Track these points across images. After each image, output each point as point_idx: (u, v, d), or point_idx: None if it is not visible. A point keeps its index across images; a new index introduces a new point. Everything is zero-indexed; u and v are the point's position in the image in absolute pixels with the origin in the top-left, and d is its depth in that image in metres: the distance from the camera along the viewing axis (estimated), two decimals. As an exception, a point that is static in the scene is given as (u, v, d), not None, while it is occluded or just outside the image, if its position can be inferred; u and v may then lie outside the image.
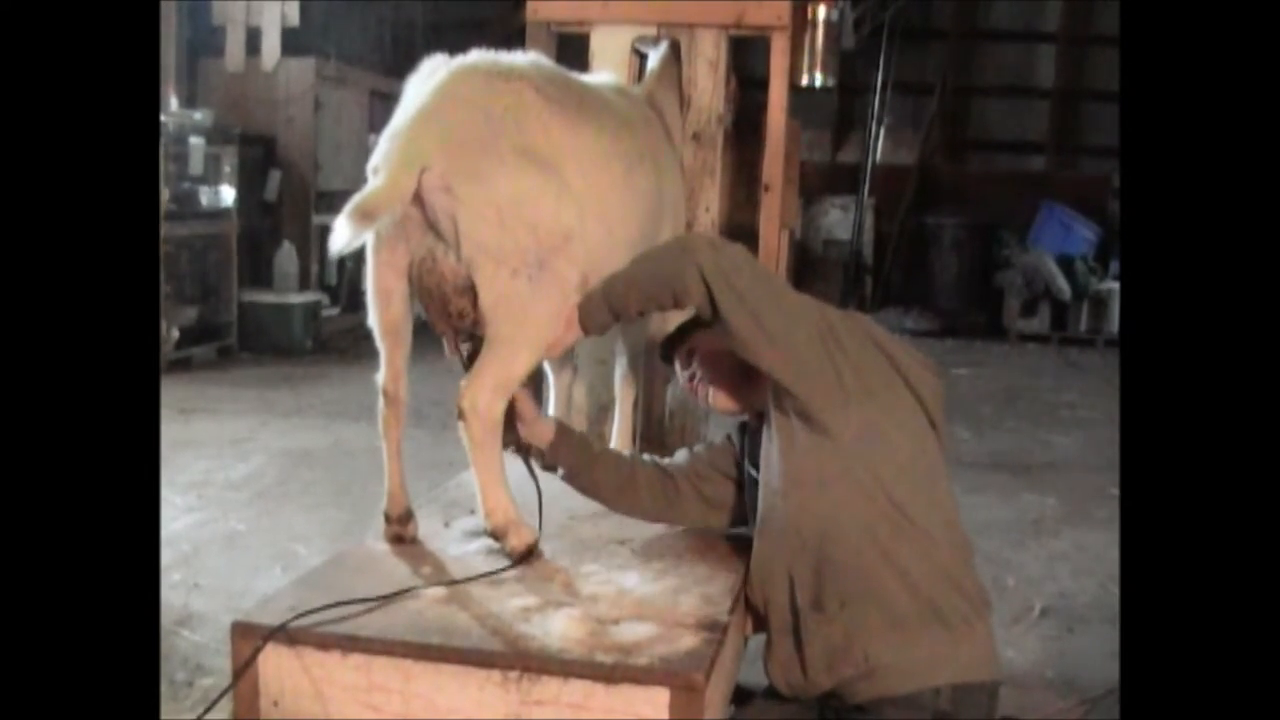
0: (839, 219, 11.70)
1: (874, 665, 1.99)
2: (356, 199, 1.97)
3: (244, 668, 1.81)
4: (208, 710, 1.94)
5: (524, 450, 2.34)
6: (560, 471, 2.39)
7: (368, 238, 2.09)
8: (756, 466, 2.19)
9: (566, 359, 2.79)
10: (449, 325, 2.17)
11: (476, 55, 2.22)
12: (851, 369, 2.03)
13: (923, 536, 2.01)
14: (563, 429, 2.39)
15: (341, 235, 1.95)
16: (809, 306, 2.07)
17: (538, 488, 2.29)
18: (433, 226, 2.08)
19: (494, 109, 2.12)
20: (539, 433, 2.33)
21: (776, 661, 2.11)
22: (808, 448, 2.05)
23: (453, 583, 2.04)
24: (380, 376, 2.21)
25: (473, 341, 2.20)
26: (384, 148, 2.08)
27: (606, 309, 2.16)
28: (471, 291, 2.11)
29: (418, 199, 2.04)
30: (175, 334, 7.66)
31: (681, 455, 2.46)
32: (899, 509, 2.00)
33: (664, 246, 2.23)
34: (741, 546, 2.32)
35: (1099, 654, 3.68)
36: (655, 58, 2.86)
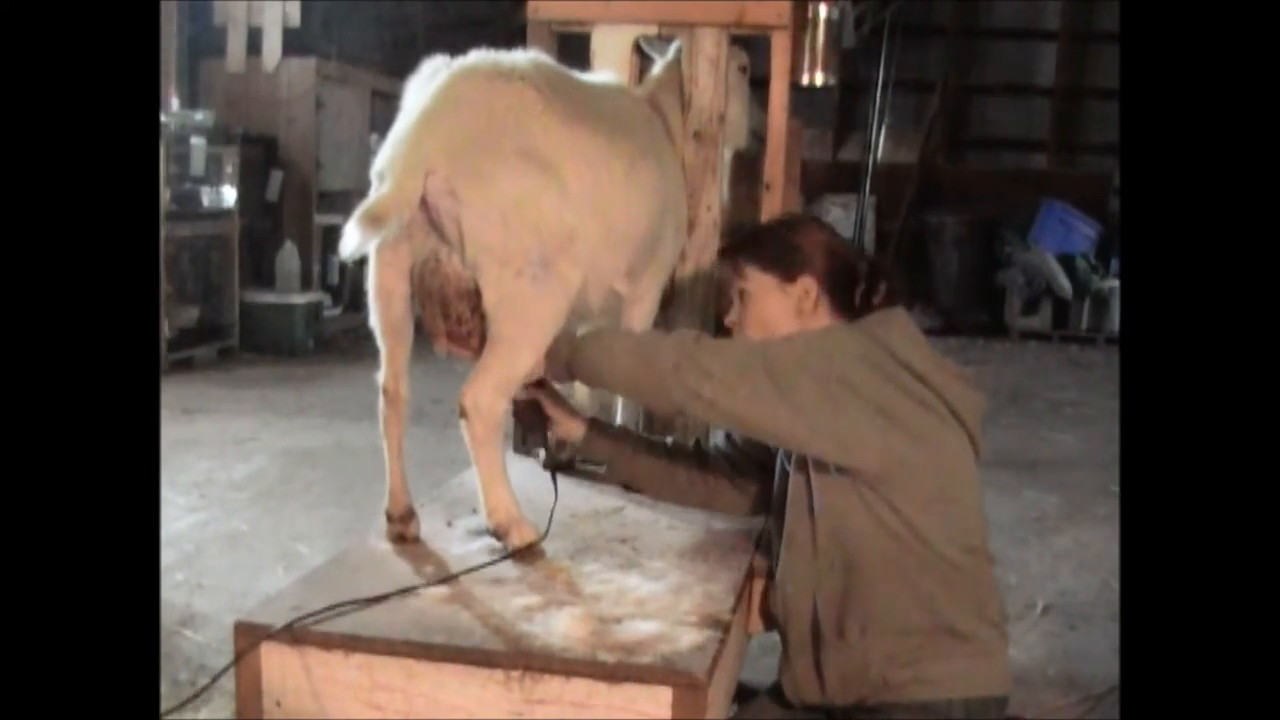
0: (840, 217, 11.68)
1: (891, 685, 1.99)
2: (365, 205, 1.98)
3: (238, 659, 1.81)
4: (194, 697, 1.95)
5: (549, 455, 2.36)
6: (603, 468, 2.42)
7: (375, 243, 2.10)
8: (789, 457, 2.18)
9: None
10: (445, 328, 2.18)
11: (477, 56, 2.23)
12: (871, 408, 1.94)
13: (948, 565, 1.99)
14: (595, 422, 2.41)
15: (351, 241, 1.96)
16: (810, 359, 1.95)
17: (555, 494, 2.29)
18: (437, 228, 2.09)
19: (495, 110, 2.12)
20: (571, 429, 2.36)
21: (791, 678, 2.10)
22: (836, 476, 2.01)
23: (453, 577, 2.04)
24: (381, 375, 2.21)
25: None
26: (388, 153, 2.09)
27: (563, 367, 2.15)
28: (472, 296, 2.11)
29: (423, 202, 2.05)
30: (172, 333, 7.69)
31: (720, 438, 2.49)
32: (924, 541, 1.97)
33: (640, 352, 2.04)
34: (744, 544, 2.32)
35: (1101, 651, 3.69)
36: (661, 63, 2.86)
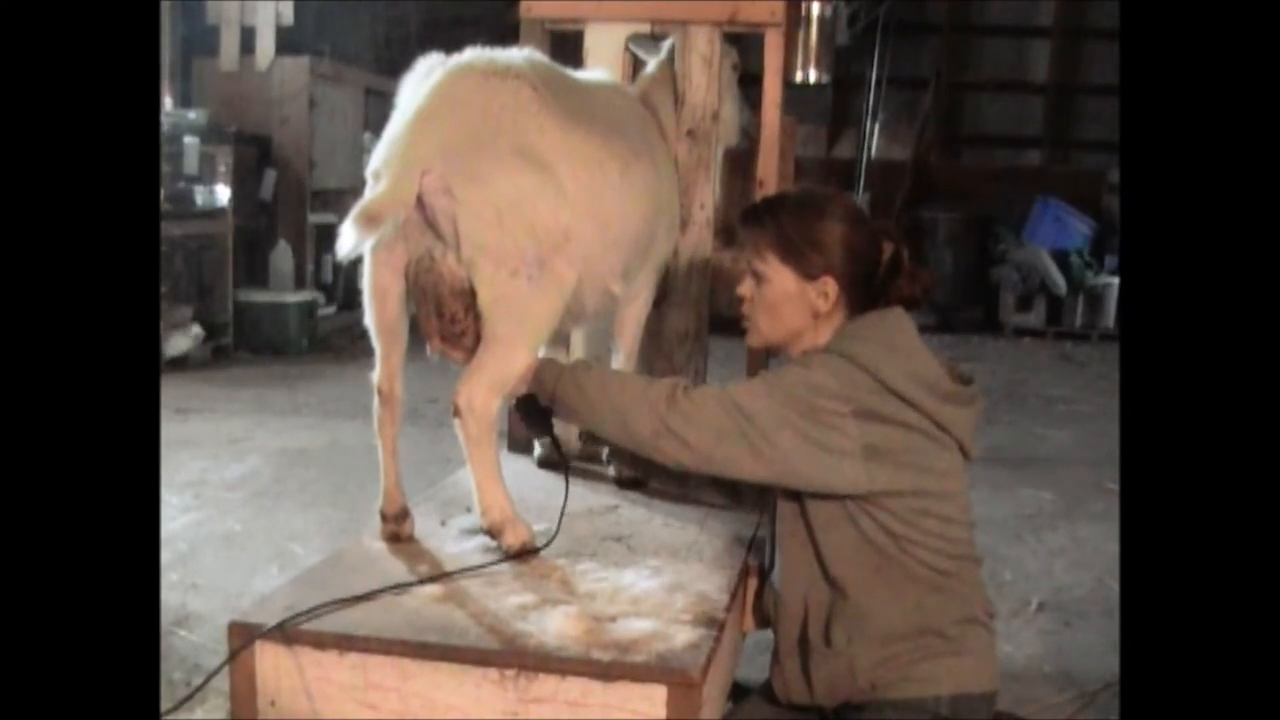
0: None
1: (879, 688, 1.99)
2: (361, 204, 1.98)
3: (232, 659, 1.81)
4: (188, 698, 1.95)
5: (546, 453, 2.35)
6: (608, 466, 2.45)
7: (371, 242, 2.09)
8: None
9: (559, 347, 2.78)
10: (438, 328, 2.17)
11: (472, 54, 2.22)
12: (855, 445, 1.92)
13: (935, 574, 1.98)
14: None
15: (347, 240, 1.96)
16: (789, 413, 1.92)
17: (566, 489, 2.29)
18: (432, 227, 2.08)
19: (491, 109, 2.12)
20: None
21: (781, 679, 2.09)
22: (823, 499, 2.00)
23: (446, 575, 2.04)
24: (375, 375, 2.21)
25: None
26: (383, 152, 2.08)
27: (547, 398, 2.13)
28: (466, 295, 2.11)
29: (419, 201, 2.04)
30: (199, 332, 7.82)
31: None
32: (910, 554, 1.96)
33: (618, 414, 2.02)
34: (738, 542, 2.32)
35: (1096, 648, 3.69)
36: (654, 63, 2.86)
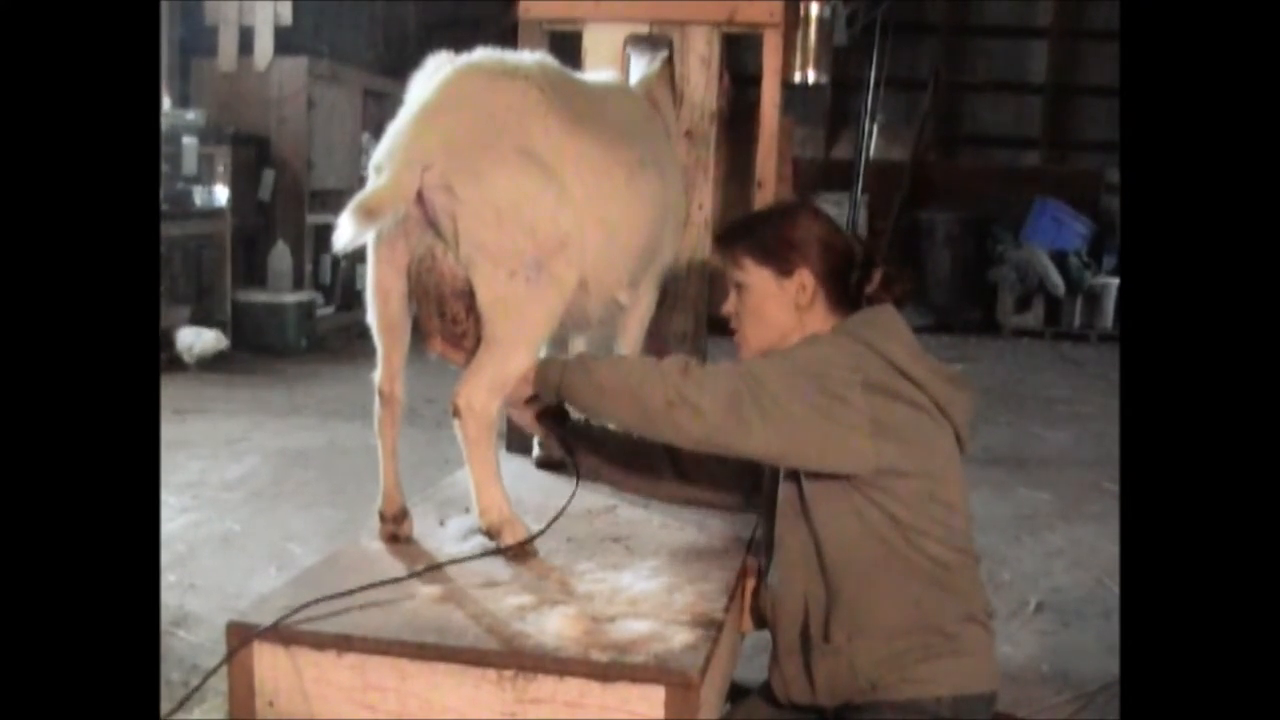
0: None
1: (879, 687, 1.99)
2: (360, 197, 1.97)
3: (230, 658, 1.81)
4: (186, 698, 1.95)
5: (545, 453, 2.35)
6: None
7: (369, 236, 2.09)
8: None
9: (559, 349, 2.78)
10: (439, 328, 2.16)
11: (481, 53, 2.21)
12: (864, 419, 1.94)
13: (937, 566, 1.98)
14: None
15: (345, 233, 1.95)
16: (799, 382, 1.94)
17: (577, 483, 2.30)
18: (433, 224, 2.07)
19: (497, 108, 2.11)
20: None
21: (781, 678, 2.09)
22: (827, 483, 2.00)
23: (438, 566, 2.05)
24: (377, 375, 2.20)
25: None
26: (386, 146, 2.08)
27: (554, 392, 2.12)
28: (467, 296, 2.10)
29: (419, 197, 2.04)
30: (212, 336, 7.78)
31: None
32: (913, 544, 1.97)
33: (629, 390, 1.99)
34: (737, 543, 2.32)
35: (1094, 648, 3.69)
36: (652, 62, 2.86)
